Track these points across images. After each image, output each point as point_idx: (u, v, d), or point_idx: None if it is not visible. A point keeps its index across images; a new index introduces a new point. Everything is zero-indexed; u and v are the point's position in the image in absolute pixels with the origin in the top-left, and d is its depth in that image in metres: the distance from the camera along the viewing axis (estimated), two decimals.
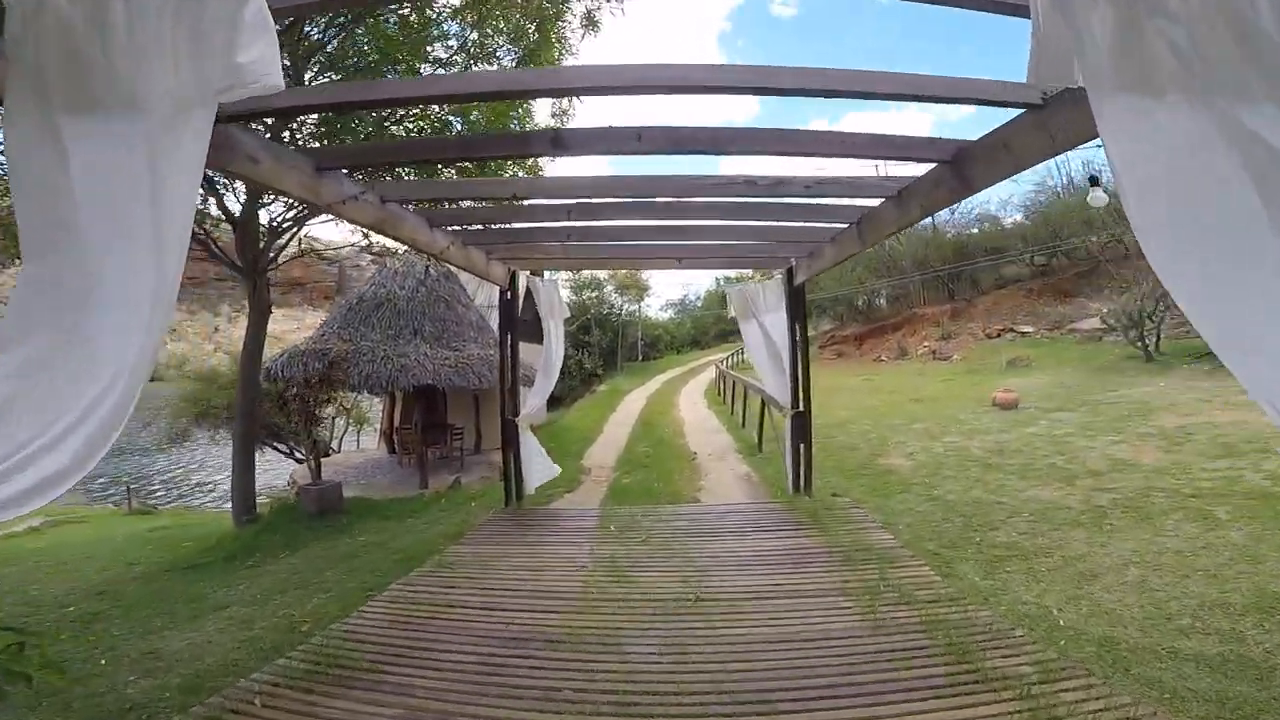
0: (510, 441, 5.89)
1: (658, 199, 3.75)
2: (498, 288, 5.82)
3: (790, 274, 5.80)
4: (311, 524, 7.92)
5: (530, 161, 8.53)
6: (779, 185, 3.30)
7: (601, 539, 5.00)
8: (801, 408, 5.83)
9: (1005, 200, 24.76)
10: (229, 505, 9.68)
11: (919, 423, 10.12)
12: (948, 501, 5.95)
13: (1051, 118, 2.06)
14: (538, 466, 6.05)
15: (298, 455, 17.88)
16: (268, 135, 6.36)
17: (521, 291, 5.85)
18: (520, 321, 6.16)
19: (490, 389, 10.56)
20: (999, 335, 19.55)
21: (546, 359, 5.92)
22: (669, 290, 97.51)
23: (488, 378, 10.21)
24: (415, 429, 10.36)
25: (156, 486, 19.86)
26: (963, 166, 2.70)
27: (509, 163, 8.28)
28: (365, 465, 13.31)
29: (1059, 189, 22.23)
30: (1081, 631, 3.31)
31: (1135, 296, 13.87)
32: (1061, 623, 3.43)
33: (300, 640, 3.53)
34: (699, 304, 51.51)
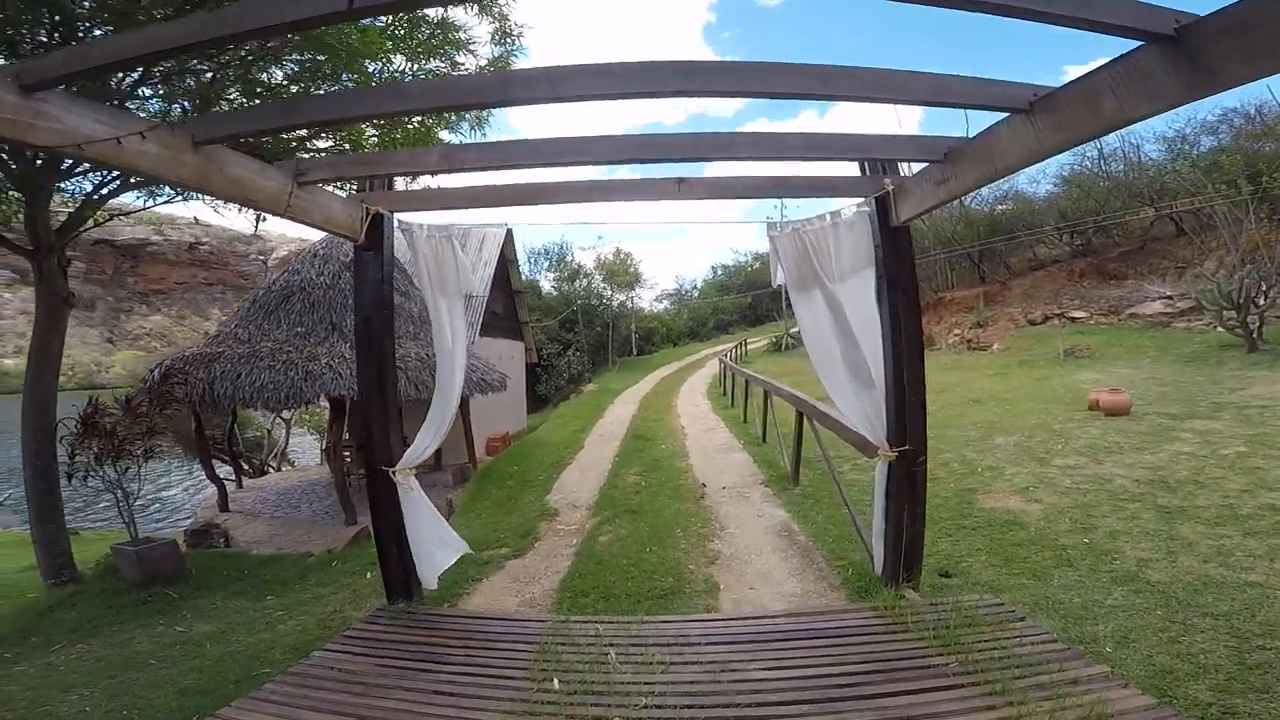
0: (385, 509, 3.32)
1: None
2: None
3: (884, 204, 3.26)
4: (129, 598, 5.48)
5: None
6: None
7: (531, 715, 2.48)
8: (909, 445, 3.30)
9: (1035, 177, 22.06)
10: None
11: (1001, 434, 7.59)
12: (1153, 584, 3.46)
13: None
14: (437, 543, 3.51)
15: (268, 466, 15.42)
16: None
17: (395, 245, 3.28)
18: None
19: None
20: (1044, 321, 17.06)
21: (441, 366, 3.39)
22: (663, 279, 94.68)
23: (427, 384, 7.67)
24: (333, 450, 7.78)
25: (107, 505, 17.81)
26: None
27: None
28: (294, 490, 10.89)
29: (1098, 157, 19.57)
30: None
31: (1230, 274, 11.41)
32: None
33: None
34: (695, 293, 49.05)
